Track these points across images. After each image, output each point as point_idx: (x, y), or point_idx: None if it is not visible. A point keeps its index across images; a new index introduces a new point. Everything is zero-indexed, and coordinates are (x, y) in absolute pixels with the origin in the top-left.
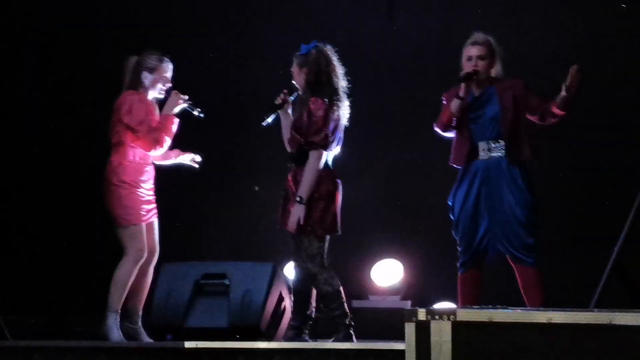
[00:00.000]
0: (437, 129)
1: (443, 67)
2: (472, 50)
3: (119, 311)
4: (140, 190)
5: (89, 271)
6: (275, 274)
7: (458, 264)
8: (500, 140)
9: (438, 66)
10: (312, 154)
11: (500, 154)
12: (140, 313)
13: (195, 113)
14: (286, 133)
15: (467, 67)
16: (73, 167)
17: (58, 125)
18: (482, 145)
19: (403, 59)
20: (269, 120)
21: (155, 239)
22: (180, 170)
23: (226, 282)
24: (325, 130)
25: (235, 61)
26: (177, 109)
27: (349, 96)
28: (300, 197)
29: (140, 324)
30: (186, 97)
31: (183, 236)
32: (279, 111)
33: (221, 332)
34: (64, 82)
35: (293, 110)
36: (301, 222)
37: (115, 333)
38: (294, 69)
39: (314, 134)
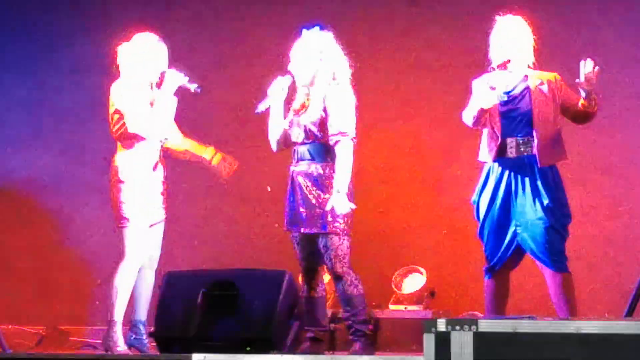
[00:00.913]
0: (466, 121)
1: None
2: (501, 37)
3: (121, 320)
4: (144, 186)
5: (91, 279)
6: (288, 281)
7: (484, 269)
8: (530, 138)
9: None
10: (347, 145)
11: (529, 153)
12: (144, 323)
13: (192, 89)
14: (278, 127)
15: (496, 55)
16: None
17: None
18: (510, 142)
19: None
20: (262, 108)
21: (158, 243)
22: (188, 175)
23: (235, 291)
24: (355, 120)
25: (235, 57)
26: (174, 88)
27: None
28: (340, 190)
29: (145, 334)
30: (182, 75)
31: (189, 242)
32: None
33: (231, 344)
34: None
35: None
36: (340, 218)
37: (119, 344)
38: (304, 55)
39: (346, 125)
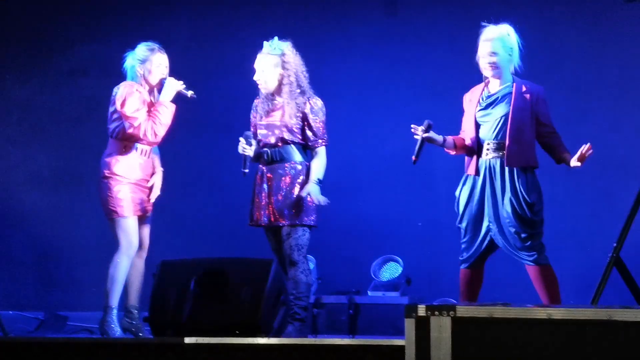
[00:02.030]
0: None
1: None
2: (485, 47)
3: (116, 306)
4: (133, 183)
5: (88, 266)
6: (275, 270)
7: (460, 259)
8: (503, 142)
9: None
10: (323, 150)
11: (501, 156)
12: (138, 308)
13: (189, 95)
14: (262, 123)
15: (482, 65)
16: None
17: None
18: (486, 144)
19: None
20: (246, 169)
21: (147, 233)
22: (178, 165)
23: (225, 279)
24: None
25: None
26: (172, 95)
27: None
28: (319, 179)
29: (139, 319)
30: (181, 82)
31: (181, 233)
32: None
33: (221, 328)
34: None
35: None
36: (313, 214)
37: (115, 329)
38: (268, 65)
39: (323, 133)
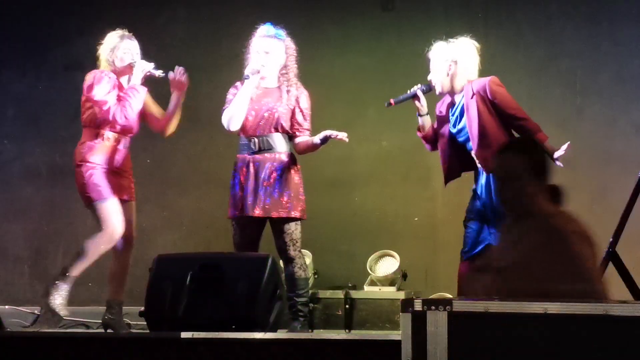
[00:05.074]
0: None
1: None
2: (431, 63)
3: (70, 277)
4: (107, 168)
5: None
6: (271, 264)
7: (461, 252)
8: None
9: None
10: (308, 139)
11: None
12: (120, 303)
13: (157, 74)
14: (245, 107)
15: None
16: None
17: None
18: (472, 153)
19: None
20: (249, 72)
21: (131, 225)
22: (174, 160)
23: (222, 273)
24: None
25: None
26: (141, 76)
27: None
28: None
29: (121, 313)
30: (151, 64)
31: (178, 228)
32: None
33: (217, 323)
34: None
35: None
36: (299, 205)
37: (57, 302)
38: (275, 49)
39: (309, 122)
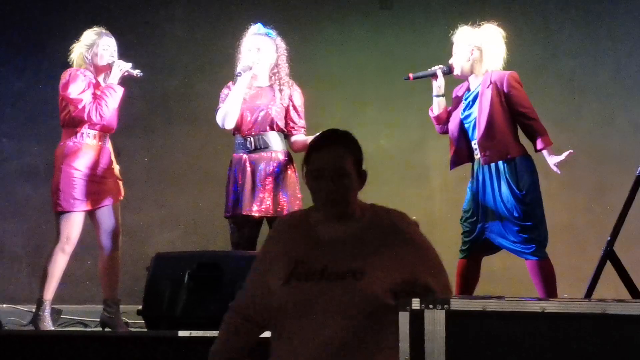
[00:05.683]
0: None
1: None
2: (454, 46)
3: (50, 300)
4: (83, 173)
5: (82, 260)
6: None
7: (460, 249)
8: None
9: None
10: (305, 138)
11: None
12: (117, 301)
13: (135, 74)
14: (239, 104)
15: (455, 61)
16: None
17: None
18: (473, 144)
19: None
20: (241, 69)
21: (110, 225)
22: (172, 158)
23: (219, 272)
24: None
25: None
26: (119, 75)
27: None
28: None
29: (118, 311)
30: (129, 64)
31: (176, 226)
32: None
33: (215, 321)
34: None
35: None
36: (297, 204)
37: (46, 323)
38: (266, 47)
39: (303, 120)
